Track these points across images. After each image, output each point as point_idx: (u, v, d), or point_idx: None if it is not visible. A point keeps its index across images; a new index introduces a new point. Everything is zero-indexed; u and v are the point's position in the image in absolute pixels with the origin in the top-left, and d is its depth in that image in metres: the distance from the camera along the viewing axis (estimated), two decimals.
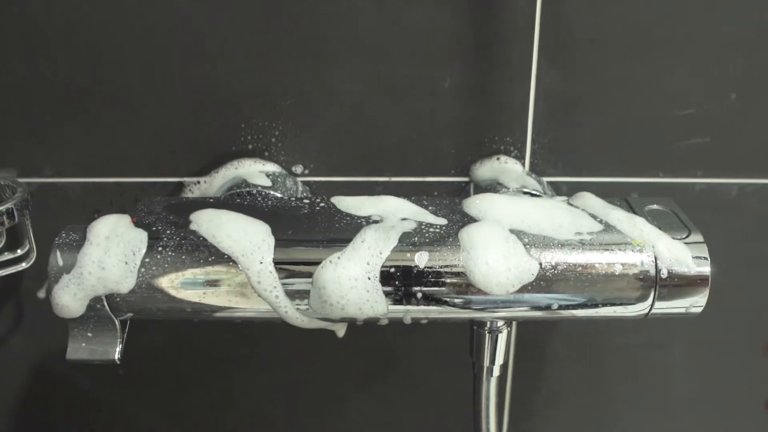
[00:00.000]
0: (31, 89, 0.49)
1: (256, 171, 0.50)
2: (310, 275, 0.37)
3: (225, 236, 0.38)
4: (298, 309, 0.38)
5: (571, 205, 0.43)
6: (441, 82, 0.49)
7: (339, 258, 0.37)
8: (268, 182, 0.49)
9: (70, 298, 0.37)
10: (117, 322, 0.39)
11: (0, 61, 0.47)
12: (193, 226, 0.39)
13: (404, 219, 0.40)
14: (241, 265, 0.37)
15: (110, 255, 0.37)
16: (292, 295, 0.38)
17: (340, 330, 0.45)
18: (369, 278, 0.37)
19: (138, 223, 0.40)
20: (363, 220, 0.40)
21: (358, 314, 0.38)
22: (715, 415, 0.63)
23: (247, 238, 0.38)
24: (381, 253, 0.38)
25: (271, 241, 0.38)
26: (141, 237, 0.38)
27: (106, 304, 0.38)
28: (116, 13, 0.47)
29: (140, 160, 0.51)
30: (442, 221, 0.40)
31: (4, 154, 0.50)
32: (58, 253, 0.38)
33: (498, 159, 0.51)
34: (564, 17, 0.48)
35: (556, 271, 0.38)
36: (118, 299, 0.38)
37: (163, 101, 0.49)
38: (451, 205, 0.42)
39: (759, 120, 0.51)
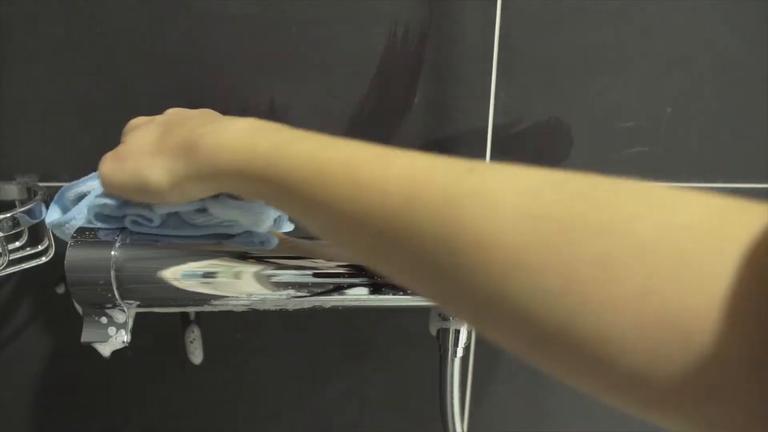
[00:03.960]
0: (50, 104, 0.50)
1: None
2: None
3: None
4: None
5: None
6: (411, 98, 0.51)
7: None
8: None
9: None
10: (125, 309, 0.42)
11: (24, 78, 0.50)
12: None
13: None
14: None
15: None
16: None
17: None
18: None
19: None
20: None
21: None
22: None
23: None
24: None
25: None
26: None
27: (116, 293, 0.40)
28: (126, 35, 0.49)
29: None
30: None
31: (27, 160, 0.52)
32: (73, 251, 0.40)
33: None
34: (519, 42, 0.50)
35: None
36: (127, 288, 0.40)
37: None
38: None
39: (690, 131, 0.53)
